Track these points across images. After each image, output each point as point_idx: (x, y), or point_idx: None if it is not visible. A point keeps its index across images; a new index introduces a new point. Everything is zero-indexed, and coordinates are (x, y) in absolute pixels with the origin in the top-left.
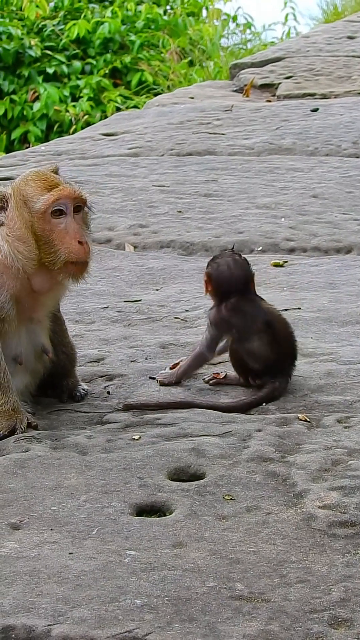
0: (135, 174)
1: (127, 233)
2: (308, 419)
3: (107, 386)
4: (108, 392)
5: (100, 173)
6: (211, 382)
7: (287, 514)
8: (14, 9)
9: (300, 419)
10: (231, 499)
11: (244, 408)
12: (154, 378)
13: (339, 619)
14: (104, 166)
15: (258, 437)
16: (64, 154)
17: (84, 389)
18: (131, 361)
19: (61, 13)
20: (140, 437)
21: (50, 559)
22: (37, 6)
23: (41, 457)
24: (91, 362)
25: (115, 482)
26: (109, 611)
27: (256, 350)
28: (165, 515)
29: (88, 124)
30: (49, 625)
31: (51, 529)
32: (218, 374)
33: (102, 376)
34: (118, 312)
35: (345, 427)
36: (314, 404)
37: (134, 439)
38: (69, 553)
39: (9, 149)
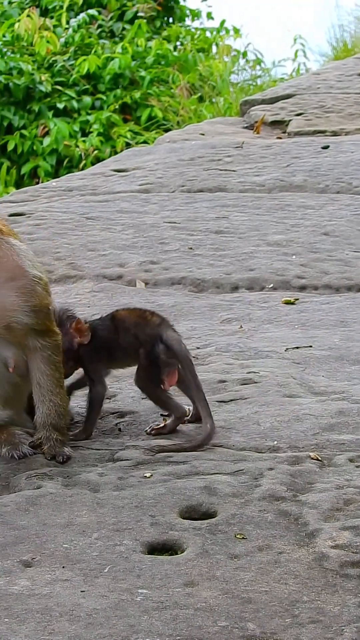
0: (147, 210)
1: (138, 269)
2: (319, 458)
3: (118, 423)
4: (119, 429)
5: (112, 209)
6: (153, 432)
7: (299, 554)
8: (25, 44)
9: (312, 458)
10: (243, 537)
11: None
12: (165, 415)
13: None
14: (115, 202)
15: (270, 476)
16: (75, 189)
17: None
18: (142, 398)
19: (72, 49)
20: (151, 475)
21: (62, 597)
22: (48, 42)
23: (53, 494)
24: None
25: (127, 520)
26: None
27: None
28: (177, 553)
29: (98, 159)
30: None
31: (63, 567)
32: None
33: (113, 413)
34: None
35: (357, 467)
36: (325, 443)
37: (145, 476)
38: (81, 591)
39: (18, 183)
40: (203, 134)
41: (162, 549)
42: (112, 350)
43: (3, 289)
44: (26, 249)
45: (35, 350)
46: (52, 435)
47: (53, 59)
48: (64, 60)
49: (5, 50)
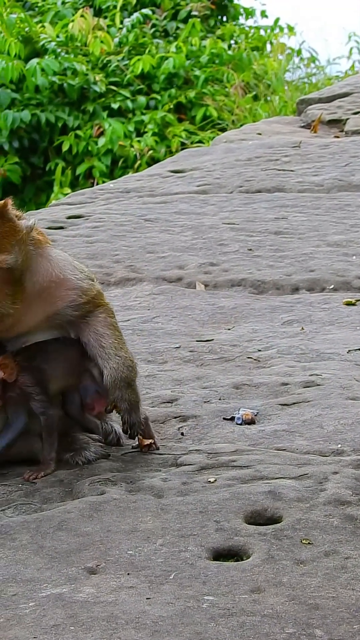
0: (205, 212)
1: (197, 271)
2: None
3: (181, 427)
4: (182, 434)
5: (170, 211)
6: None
7: None
8: (79, 44)
9: None
10: (309, 543)
11: None
12: (228, 419)
13: None
14: (173, 204)
15: (334, 480)
16: (132, 191)
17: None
18: (204, 402)
19: (125, 48)
20: (215, 480)
21: (128, 604)
22: (102, 42)
23: (117, 500)
24: (164, 402)
25: (191, 525)
26: None
27: None
28: (242, 559)
29: (153, 159)
30: None
31: (128, 574)
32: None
33: (175, 417)
34: (190, 351)
35: None
36: None
37: (209, 481)
38: (147, 598)
39: (73, 184)
40: (260, 134)
41: (228, 554)
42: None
43: (47, 300)
44: (64, 257)
45: (87, 322)
46: (126, 394)
47: (107, 59)
48: (118, 60)
49: (59, 50)
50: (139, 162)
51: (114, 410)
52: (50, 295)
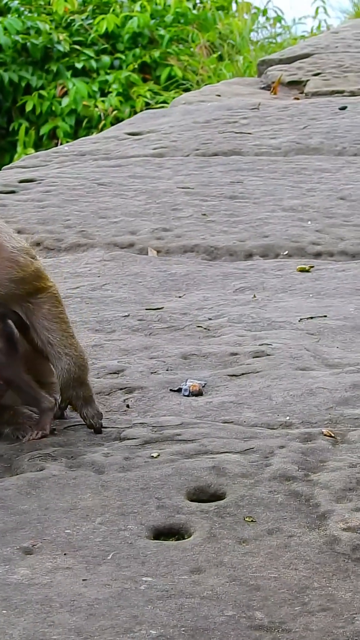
0: (160, 175)
1: (150, 237)
2: (333, 434)
3: (127, 399)
4: (127, 406)
5: (124, 174)
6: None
7: (310, 537)
8: (42, 3)
9: (325, 435)
10: (252, 520)
11: None
12: (175, 390)
13: None
14: (128, 167)
15: (281, 454)
16: (87, 154)
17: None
18: (152, 373)
19: (89, 7)
20: (159, 455)
21: (63, 586)
22: (66, 1)
23: (56, 477)
24: (110, 373)
25: (132, 503)
26: None
27: None
28: (183, 538)
29: (117, 119)
30: None
31: (65, 554)
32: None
33: (121, 389)
34: (139, 320)
35: None
36: (339, 418)
37: (152, 456)
38: (83, 580)
39: (37, 144)
40: (219, 95)
41: (169, 533)
42: None
43: None
44: (2, 224)
45: (32, 311)
46: (80, 392)
47: (71, 18)
48: (82, 20)
49: (22, 9)
50: (103, 122)
51: (68, 406)
52: None
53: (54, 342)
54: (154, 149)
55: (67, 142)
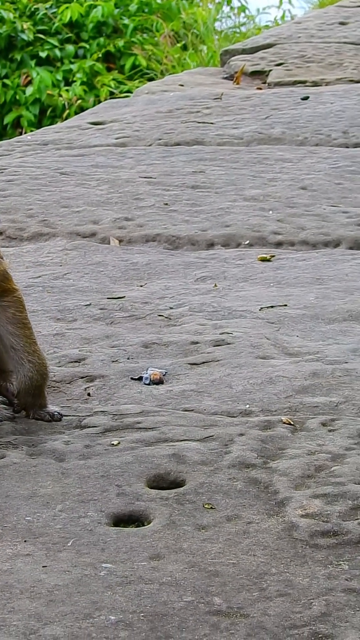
0: (122, 165)
1: (112, 226)
2: (292, 422)
3: (88, 387)
4: (88, 394)
5: (87, 164)
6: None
7: (268, 524)
8: None
9: (284, 422)
10: (211, 507)
11: None
12: (136, 379)
13: (320, 635)
14: (91, 157)
15: (240, 442)
16: (50, 143)
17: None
18: (113, 361)
19: None
20: (119, 443)
21: (23, 573)
22: None
23: (17, 464)
24: (71, 362)
25: (92, 490)
26: (82, 628)
27: None
28: (143, 525)
29: (81, 108)
30: None
31: (25, 541)
32: None
33: (82, 377)
34: (101, 309)
35: (330, 431)
36: (298, 406)
37: (112, 444)
38: (43, 566)
39: (1, 134)
40: (182, 85)
41: (128, 520)
42: None
43: None
44: None
45: None
46: (37, 400)
47: (35, 6)
48: (46, 8)
49: None
50: (67, 111)
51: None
52: None
53: (17, 347)
54: (117, 138)
55: (31, 131)
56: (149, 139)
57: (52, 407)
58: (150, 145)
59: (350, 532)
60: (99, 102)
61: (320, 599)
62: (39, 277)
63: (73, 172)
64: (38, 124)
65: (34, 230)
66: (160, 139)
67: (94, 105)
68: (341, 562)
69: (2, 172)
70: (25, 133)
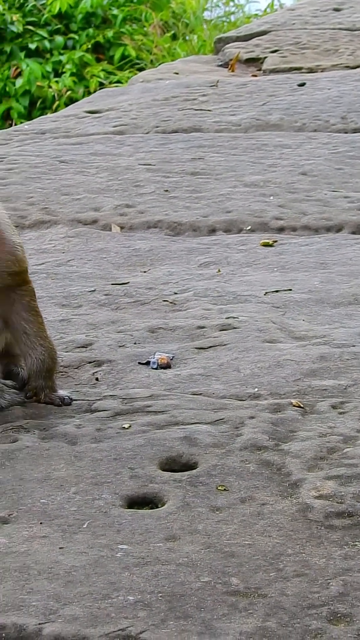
0: (121, 152)
1: (113, 214)
2: (302, 405)
3: (95, 372)
4: (96, 379)
5: (85, 152)
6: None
7: (283, 505)
8: None
9: (294, 405)
10: (225, 489)
11: None
12: (143, 363)
13: (338, 615)
14: (89, 145)
15: (251, 425)
16: (47, 132)
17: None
18: (120, 346)
19: None
20: (130, 426)
21: (40, 554)
22: None
23: (29, 448)
24: (78, 347)
25: (105, 473)
26: (101, 608)
27: None
28: (157, 507)
29: (71, 99)
30: (40, 624)
31: (41, 523)
32: None
33: (90, 362)
34: (105, 295)
35: (340, 413)
36: (307, 389)
37: (124, 427)
38: (60, 548)
39: None
40: (177, 73)
41: (142, 502)
42: None
43: None
44: (2, 214)
45: (14, 301)
46: (47, 383)
47: None
48: (35, 0)
49: None
50: (57, 102)
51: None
52: None
53: (30, 332)
54: (114, 126)
55: (22, 122)
56: (147, 126)
57: (62, 392)
58: (147, 133)
59: None
60: (89, 93)
61: (338, 579)
62: (43, 264)
63: (72, 160)
64: (28, 115)
65: (35, 218)
66: (157, 127)
67: (83, 96)
68: (357, 543)
69: (1, 161)
70: (15, 125)
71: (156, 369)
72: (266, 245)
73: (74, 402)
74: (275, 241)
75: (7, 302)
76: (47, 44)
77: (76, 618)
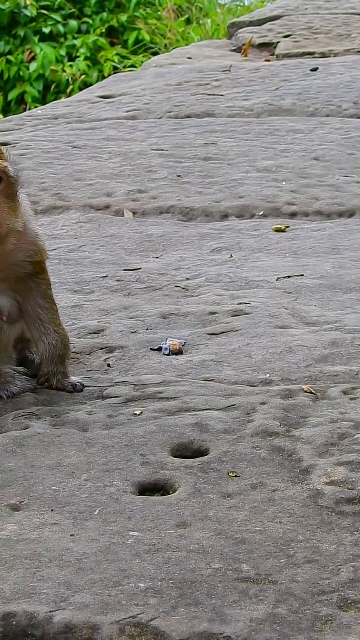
0: (134, 137)
1: (125, 199)
2: (313, 391)
3: (107, 358)
4: (108, 365)
5: (98, 137)
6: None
7: (293, 491)
8: None
9: (305, 391)
10: (236, 475)
11: None
12: (155, 349)
13: (349, 601)
14: (102, 130)
15: (262, 411)
16: (60, 117)
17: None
18: (131, 332)
19: None
20: (141, 412)
21: (51, 542)
22: None
23: (41, 435)
24: (90, 333)
25: (116, 459)
26: (112, 595)
27: None
28: (168, 493)
29: (85, 83)
30: (50, 611)
31: (52, 510)
32: None
33: (102, 348)
34: (117, 281)
35: (351, 399)
36: (318, 375)
37: (135, 414)
38: (71, 535)
39: (5, 109)
40: (190, 58)
41: (153, 489)
42: None
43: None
44: (26, 204)
45: (30, 289)
46: (59, 368)
47: None
48: None
49: None
50: (71, 86)
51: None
52: (14, 242)
53: (44, 318)
54: (127, 111)
55: (36, 106)
56: (159, 111)
57: (74, 378)
58: (160, 118)
59: None
60: (103, 77)
61: (348, 565)
62: (55, 249)
63: (85, 146)
64: (42, 99)
65: (48, 203)
66: (170, 112)
67: (97, 80)
68: None
69: (14, 146)
70: (29, 109)
71: (168, 355)
72: (278, 230)
73: (86, 388)
74: (288, 226)
75: (24, 289)
76: (60, 27)
77: (87, 605)
